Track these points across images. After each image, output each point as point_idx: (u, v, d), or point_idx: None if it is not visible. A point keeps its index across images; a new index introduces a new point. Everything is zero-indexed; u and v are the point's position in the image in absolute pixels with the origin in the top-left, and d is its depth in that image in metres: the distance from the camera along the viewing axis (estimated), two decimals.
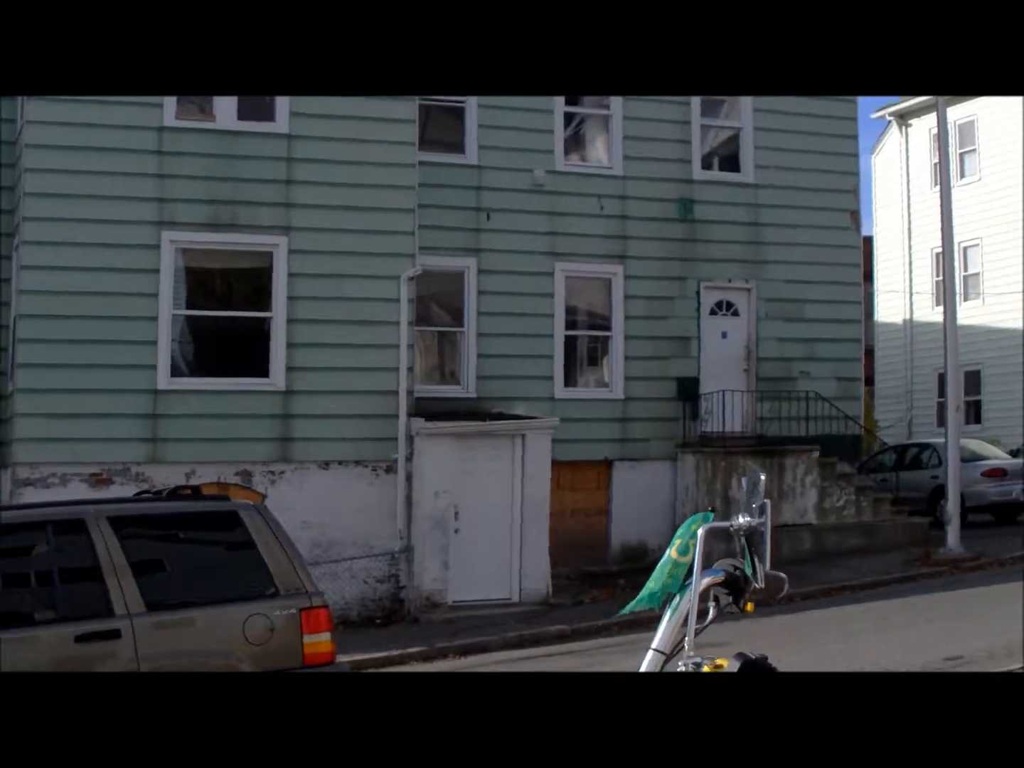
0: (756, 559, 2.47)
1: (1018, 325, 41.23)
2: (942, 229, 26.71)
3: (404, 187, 23.25)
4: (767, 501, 2.53)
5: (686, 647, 2.44)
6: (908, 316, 43.96)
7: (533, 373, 25.38)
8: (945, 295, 26.95)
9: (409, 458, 22.92)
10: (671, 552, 2.65)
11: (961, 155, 40.22)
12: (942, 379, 25.92)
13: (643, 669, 2.45)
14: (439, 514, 22.64)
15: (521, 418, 23.90)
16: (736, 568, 2.44)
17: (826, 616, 19.70)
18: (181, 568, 11.27)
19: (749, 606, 2.43)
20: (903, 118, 43.33)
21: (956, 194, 34.15)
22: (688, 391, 26.11)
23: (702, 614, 2.49)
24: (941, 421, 26.14)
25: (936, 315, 28.68)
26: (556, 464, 23.01)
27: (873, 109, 45.15)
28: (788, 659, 16.25)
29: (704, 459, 25.59)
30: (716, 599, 2.43)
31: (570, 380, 26.05)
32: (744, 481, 2.61)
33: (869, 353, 39.08)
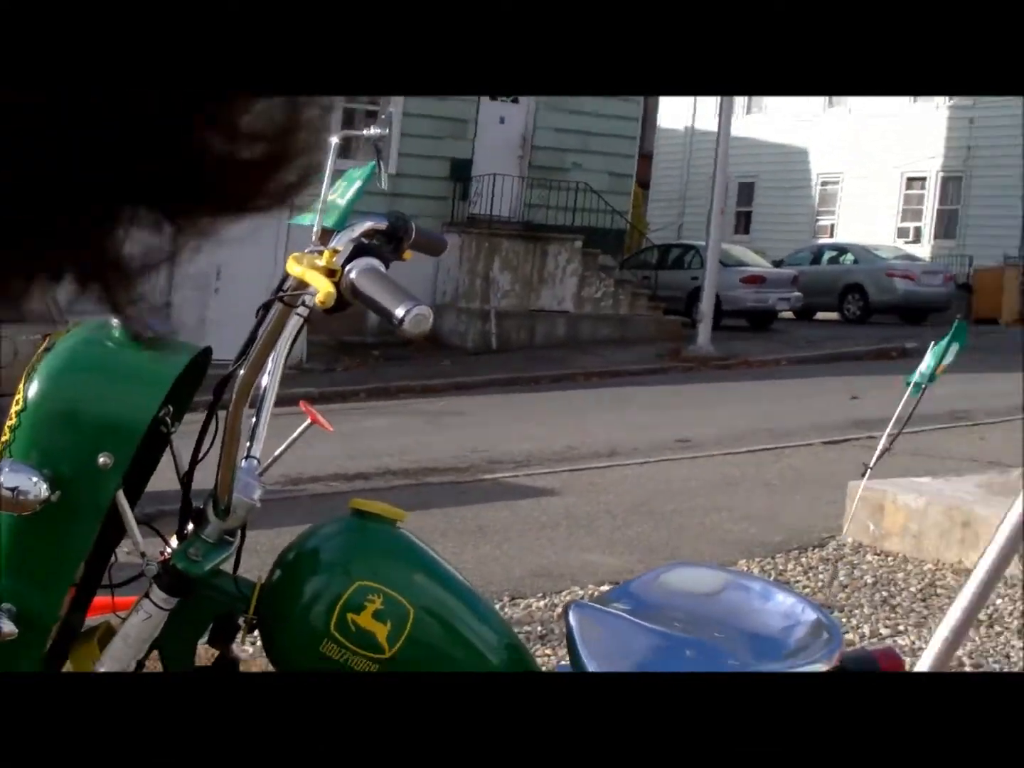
0: (382, 164, 2.81)
1: (792, 141, 42.20)
2: None
3: None
4: (392, 109, 2.85)
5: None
6: (690, 123, 44.64)
7: None
8: (722, 103, 27.60)
9: None
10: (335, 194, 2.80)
11: None
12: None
13: None
14: (199, 274, 22.63)
15: None
16: (399, 218, 2.54)
17: (569, 396, 20.29)
18: None
19: (407, 254, 2.62)
20: None
21: None
22: (460, 172, 26.29)
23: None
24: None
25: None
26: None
27: None
28: (523, 430, 16.78)
29: (469, 239, 25.79)
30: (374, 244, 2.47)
31: (344, 152, 25.87)
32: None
33: (649, 157, 39.56)
